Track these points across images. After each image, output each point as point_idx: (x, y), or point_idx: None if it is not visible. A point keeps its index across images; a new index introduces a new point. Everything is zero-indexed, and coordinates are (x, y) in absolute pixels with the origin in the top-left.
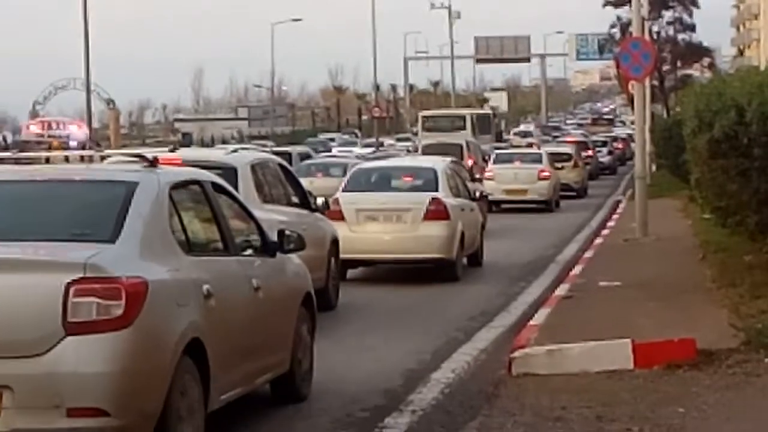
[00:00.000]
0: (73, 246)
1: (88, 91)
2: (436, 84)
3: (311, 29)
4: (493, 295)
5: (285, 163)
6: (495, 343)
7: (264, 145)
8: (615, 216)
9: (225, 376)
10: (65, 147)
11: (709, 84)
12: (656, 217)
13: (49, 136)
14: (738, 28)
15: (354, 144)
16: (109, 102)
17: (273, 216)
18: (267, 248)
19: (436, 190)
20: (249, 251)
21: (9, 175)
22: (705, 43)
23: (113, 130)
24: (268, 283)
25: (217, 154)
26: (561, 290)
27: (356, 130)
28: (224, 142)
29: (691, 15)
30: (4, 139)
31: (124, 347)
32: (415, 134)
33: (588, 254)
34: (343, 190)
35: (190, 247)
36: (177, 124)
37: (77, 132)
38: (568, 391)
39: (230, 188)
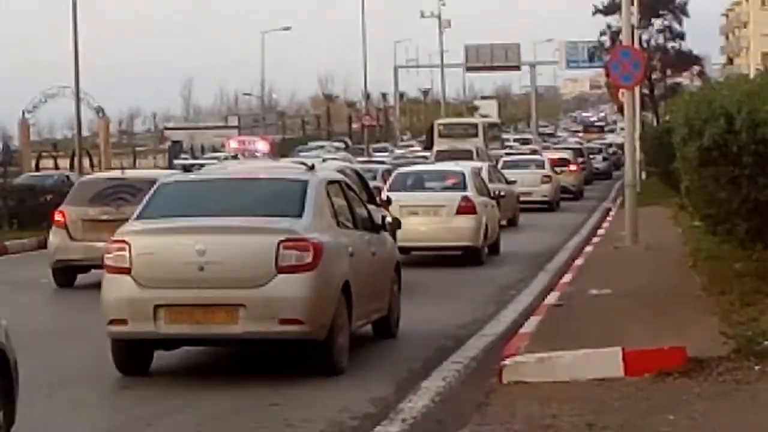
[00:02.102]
0: (278, 219)
1: (78, 100)
2: (426, 92)
3: (301, 38)
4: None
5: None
6: (485, 350)
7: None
8: (605, 224)
9: (358, 309)
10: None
11: (698, 92)
12: (646, 225)
13: (245, 150)
14: (727, 37)
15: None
16: (99, 110)
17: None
18: (375, 228)
19: (466, 190)
20: (364, 229)
21: (226, 174)
22: (695, 52)
23: (103, 139)
24: (378, 250)
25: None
26: (551, 298)
27: (346, 139)
28: (214, 150)
29: (680, 23)
30: None
31: (312, 282)
32: (396, 145)
33: (578, 262)
34: (388, 190)
35: (338, 223)
36: (167, 133)
37: (263, 146)
38: (559, 399)
39: (354, 186)
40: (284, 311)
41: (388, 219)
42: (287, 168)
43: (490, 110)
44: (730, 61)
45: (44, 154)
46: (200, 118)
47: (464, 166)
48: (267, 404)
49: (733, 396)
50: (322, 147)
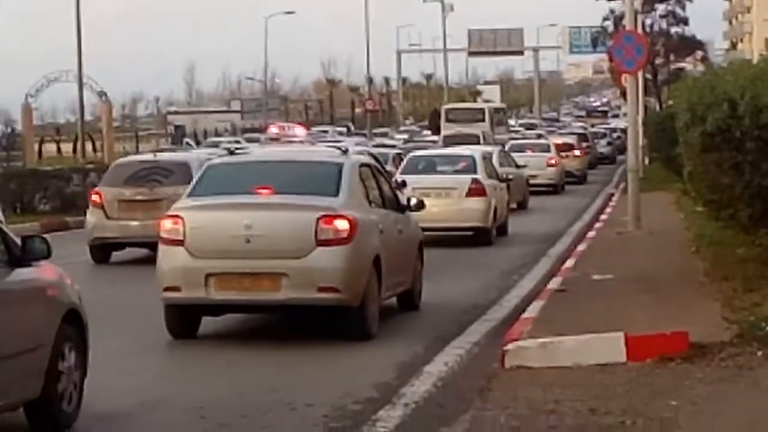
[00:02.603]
0: (316, 197)
1: (81, 84)
2: (429, 77)
3: (304, 22)
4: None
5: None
6: (488, 335)
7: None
8: (608, 209)
9: (386, 281)
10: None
11: (701, 77)
12: (649, 211)
13: (284, 135)
14: (730, 22)
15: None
16: (102, 94)
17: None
18: (400, 207)
19: (476, 173)
20: (391, 209)
21: (268, 157)
22: (698, 37)
23: (106, 123)
24: (404, 228)
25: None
26: (554, 283)
27: (349, 123)
28: (217, 134)
29: (684, 8)
30: None
31: (347, 254)
32: (398, 130)
33: (581, 247)
34: (401, 173)
35: (369, 202)
36: (170, 117)
37: (300, 131)
38: (561, 385)
39: (382, 169)
40: (322, 280)
41: (414, 201)
42: (323, 152)
43: (492, 95)
44: (733, 46)
45: (47, 138)
46: (203, 102)
47: (474, 150)
48: (270, 389)
49: (735, 381)
50: (325, 132)
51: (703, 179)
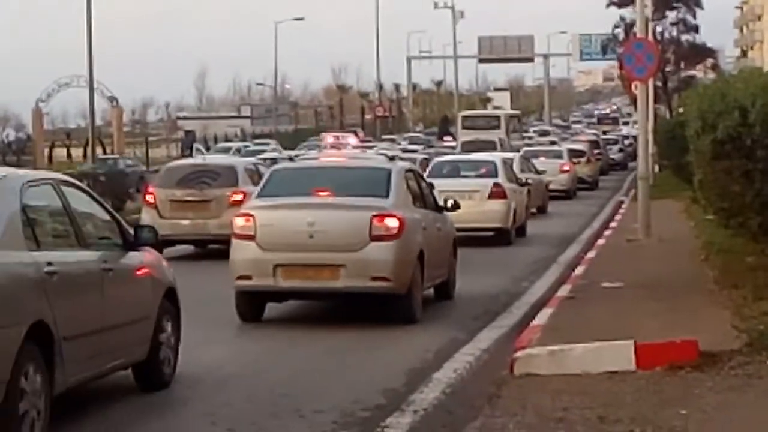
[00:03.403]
0: (369, 199)
1: (92, 89)
2: (439, 83)
3: (315, 28)
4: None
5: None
6: (497, 342)
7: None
8: (617, 216)
9: (428, 273)
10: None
11: (712, 85)
12: (659, 218)
13: (338, 144)
14: (741, 30)
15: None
16: (112, 100)
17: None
18: (438, 208)
19: (497, 177)
20: (431, 209)
21: (325, 163)
22: (708, 44)
23: (116, 128)
24: (442, 227)
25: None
26: (563, 291)
27: (357, 129)
28: (227, 140)
29: (694, 16)
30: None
31: (397, 248)
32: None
33: (590, 255)
34: (428, 177)
35: (413, 201)
36: (180, 122)
37: (353, 140)
38: (570, 392)
39: (420, 173)
40: (375, 270)
41: (450, 202)
42: (373, 158)
43: (502, 102)
44: (744, 54)
45: (57, 143)
46: (213, 107)
47: (496, 156)
48: (279, 394)
49: (745, 390)
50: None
51: (713, 187)
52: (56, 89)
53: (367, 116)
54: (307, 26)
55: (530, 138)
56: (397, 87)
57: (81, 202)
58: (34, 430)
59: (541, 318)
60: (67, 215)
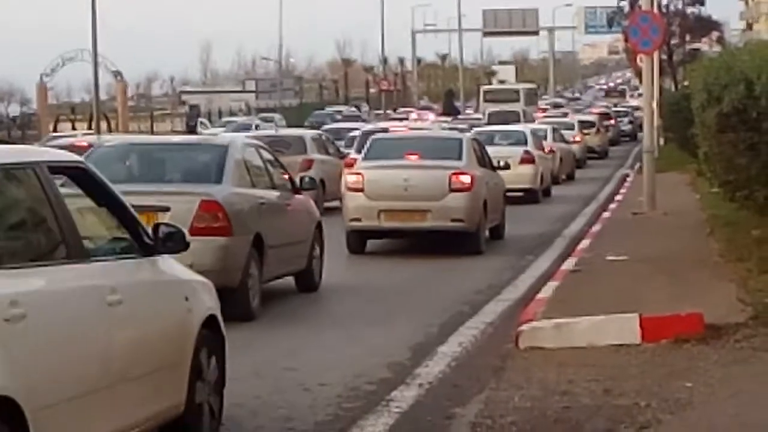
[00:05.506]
0: (448, 161)
1: (96, 63)
2: (443, 57)
3: (319, 2)
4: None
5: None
6: (502, 316)
7: (271, 119)
8: (622, 190)
9: (489, 216)
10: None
11: (718, 58)
12: (664, 191)
13: (421, 119)
14: (747, 2)
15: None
16: (117, 74)
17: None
18: (493, 168)
19: (526, 144)
20: (489, 168)
21: (412, 134)
22: (714, 17)
23: (120, 102)
24: (497, 182)
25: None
26: (568, 264)
27: (364, 103)
28: (232, 114)
29: None
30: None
31: (470, 197)
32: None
33: (595, 228)
34: None
35: (477, 162)
36: (184, 97)
37: (431, 116)
38: (576, 365)
39: (480, 141)
40: (454, 214)
41: (502, 163)
42: (447, 130)
43: (507, 75)
44: (750, 26)
45: (62, 117)
46: (218, 82)
47: (525, 128)
48: (283, 368)
49: (750, 363)
50: (339, 111)
51: (719, 160)
52: (60, 64)
53: (372, 90)
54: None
55: (543, 110)
56: (401, 61)
57: (267, 158)
58: (254, 300)
59: (546, 291)
60: (264, 167)
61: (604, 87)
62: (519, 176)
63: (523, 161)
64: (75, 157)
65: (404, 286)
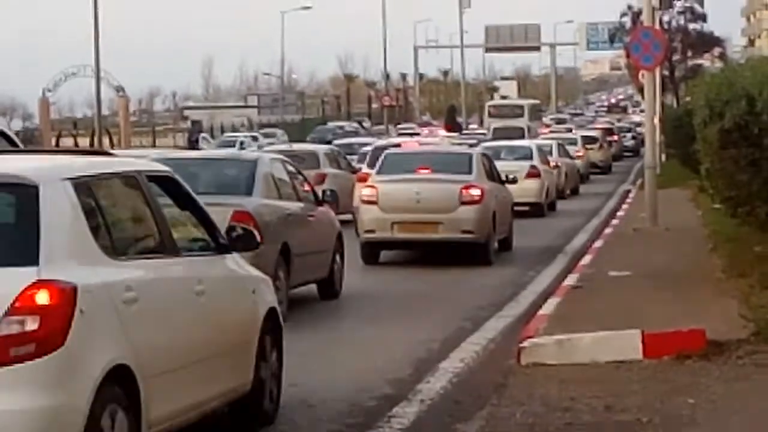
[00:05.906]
0: (458, 175)
1: (98, 78)
2: (445, 73)
3: (321, 17)
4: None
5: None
6: (504, 332)
7: (273, 134)
8: (624, 205)
9: (498, 229)
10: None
11: (719, 74)
12: (666, 207)
13: (432, 135)
14: (749, 18)
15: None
16: (119, 89)
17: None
18: (501, 181)
19: (532, 159)
20: (497, 182)
21: (424, 149)
22: (716, 33)
23: (123, 117)
24: (505, 195)
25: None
26: (570, 280)
27: (365, 119)
28: (234, 130)
29: (702, 4)
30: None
31: (479, 210)
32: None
33: (597, 244)
34: None
35: (487, 176)
36: (186, 112)
37: (442, 132)
38: (577, 381)
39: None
40: (464, 226)
41: (510, 177)
42: (457, 146)
43: (509, 91)
44: (752, 42)
45: (64, 132)
46: (220, 97)
47: (531, 143)
48: (286, 385)
49: (752, 379)
50: (341, 127)
51: (721, 176)
52: (63, 79)
53: (374, 106)
54: (313, 15)
55: (547, 126)
56: (403, 76)
57: (290, 172)
58: (282, 306)
59: (548, 307)
60: (290, 180)
61: (606, 104)
62: (525, 190)
63: (529, 175)
64: (164, 167)
65: (407, 301)
